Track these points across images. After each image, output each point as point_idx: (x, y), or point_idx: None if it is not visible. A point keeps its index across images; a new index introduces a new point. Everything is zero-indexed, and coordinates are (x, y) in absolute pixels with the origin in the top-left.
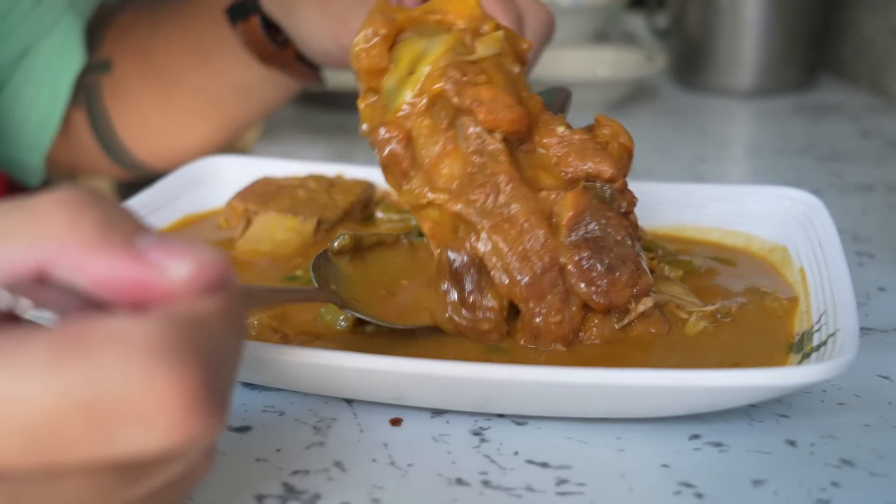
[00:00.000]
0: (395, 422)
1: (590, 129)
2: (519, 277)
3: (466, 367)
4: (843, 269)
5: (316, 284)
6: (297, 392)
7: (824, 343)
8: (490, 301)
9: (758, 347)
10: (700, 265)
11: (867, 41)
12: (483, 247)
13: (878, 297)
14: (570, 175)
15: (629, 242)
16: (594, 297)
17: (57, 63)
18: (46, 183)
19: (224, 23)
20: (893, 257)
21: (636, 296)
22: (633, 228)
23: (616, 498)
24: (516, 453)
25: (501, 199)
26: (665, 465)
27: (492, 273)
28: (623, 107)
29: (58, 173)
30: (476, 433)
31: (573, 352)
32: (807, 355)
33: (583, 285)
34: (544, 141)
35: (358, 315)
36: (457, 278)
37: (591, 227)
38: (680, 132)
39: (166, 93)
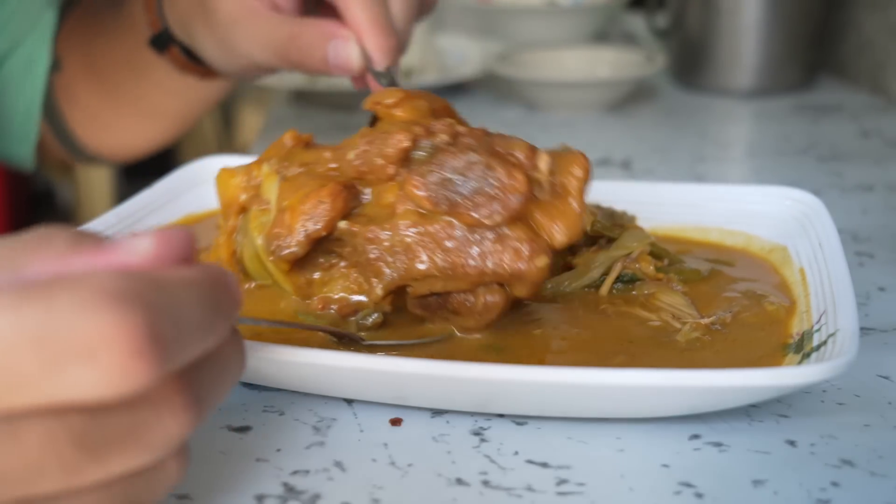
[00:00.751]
0: (395, 422)
1: (373, 123)
2: (458, 267)
3: (466, 367)
4: (843, 269)
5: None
6: (297, 392)
7: (824, 343)
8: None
9: (751, 351)
10: (705, 271)
11: (867, 41)
12: (423, 287)
13: (878, 297)
14: (393, 171)
15: (470, 153)
16: (506, 209)
17: (38, 56)
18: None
19: (142, 30)
20: (893, 257)
21: (530, 167)
22: (470, 136)
23: (616, 498)
24: (516, 453)
25: (385, 246)
26: (665, 465)
27: (448, 290)
28: (623, 107)
29: (51, 164)
30: (476, 433)
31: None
32: (807, 355)
33: (494, 216)
34: (355, 170)
35: (381, 343)
36: (438, 304)
37: (440, 182)
38: (680, 132)
39: (112, 97)
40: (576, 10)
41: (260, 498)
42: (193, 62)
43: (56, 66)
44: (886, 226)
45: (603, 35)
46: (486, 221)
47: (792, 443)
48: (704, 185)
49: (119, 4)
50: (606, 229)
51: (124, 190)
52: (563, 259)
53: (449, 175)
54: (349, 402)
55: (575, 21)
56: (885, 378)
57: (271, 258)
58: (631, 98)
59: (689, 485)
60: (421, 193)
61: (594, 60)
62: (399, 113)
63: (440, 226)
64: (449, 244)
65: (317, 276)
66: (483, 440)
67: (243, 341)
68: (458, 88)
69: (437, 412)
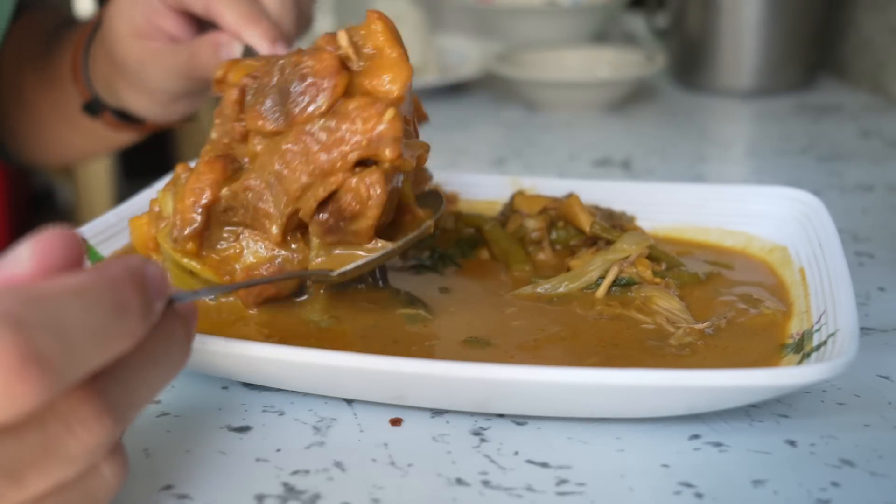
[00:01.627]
0: (395, 422)
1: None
2: (322, 160)
3: (466, 367)
4: (843, 269)
5: None
6: (297, 392)
7: (824, 343)
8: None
9: (744, 356)
10: (703, 275)
11: (867, 41)
12: (313, 201)
13: (878, 297)
14: (241, 127)
15: (279, 63)
16: (327, 91)
17: None
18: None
19: (75, 94)
20: (893, 257)
21: (330, 49)
22: (281, 58)
23: (616, 498)
24: (516, 453)
25: (260, 186)
26: (665, 465)
27: (329, 194)
28: (623, 107)
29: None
30: (476, 433)
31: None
32: (807, 355)
33: (320, 100)
34: (223, 143)
35: (350, 267)
36: (336, 217)
37: (271, 100)
38: (680, 132)
39: (36, 129)
40: (576, 10)
41: (260, 498)
42: (125, 121)
43: None
44: (886, 226)
45: (603, 35)
46: (321, 109)
47: (792, 443)
48: (704, 185)
49: (51, 44)
50: (605, 231)
51: (124, 190)
52: (561, 260)
53: (269, 91)
54: (349, 402)
55: (575, 21)
56: (885, 378)
57: (176, 246)
58: (631, 98)
59: (689, 485)
60: (258, 122)
61: (594, 60)
62: (231, 78)
63: (290, 139)
64: (304, 148)
65: (229, 250)
66: (483, 440)
67: (185, 332)
68: (458, 88)
69: (437, 412)
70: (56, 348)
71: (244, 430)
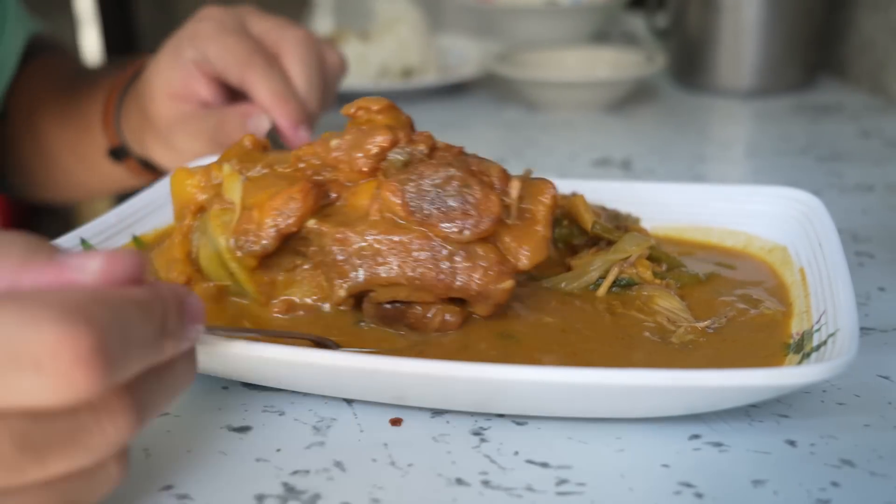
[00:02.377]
0: (395, 422)
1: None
2: (427, 279)
3: (466, 367)
4: (843, 269)
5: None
6: (297, 392)
7: (824, 343)
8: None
9: (745, 355)
10: (703, 275)
11: (867, 41)
12: (385, 294)
13: (878, 297)
14: (367, 169)
15: (450, 168)
16: (478, 229)
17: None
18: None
19: (99, 139)
20: (893, 257)
21: (502, 191)
22: (446, 151)
23: (616, 498)
24: (516, 453)
25: (354, 249)
26: (665, 465)
27: (410, 300)
28: (623, 107)
29: None
30: (476, 433)
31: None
32: (807, 355)
33: (463, 233)
34: (332, 160)
35: (357, 351)
36: (396, 316)
37: (418, 193)
38: (680, 132)
39: (47, 167)
40: (576, 10)
41: (260, 498)
42: (148, 170)
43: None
44: (886, 226)
45: (603, 35)
46: (458, 237)
47: (792, 443)
48: (704, 185)
49: (71, 87)
50: (607, 231)
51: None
52: (563, 259)
53: (426, 187)
54: (349, 402)
55: (575, 21)
56: (885, 378)
57: (239, 254)
58: (631, 98)
59: (689, 485)
60: (397, 200)
61: (594, 60)
62: (380, 118)
63: (413, 235)
64: (419, 255)
65: (280, 277)
66: (483, 440)
67: (195, 357)
68: (458, 88)
69: (437, 412)
70: (118, 348)
71: (244, 430)
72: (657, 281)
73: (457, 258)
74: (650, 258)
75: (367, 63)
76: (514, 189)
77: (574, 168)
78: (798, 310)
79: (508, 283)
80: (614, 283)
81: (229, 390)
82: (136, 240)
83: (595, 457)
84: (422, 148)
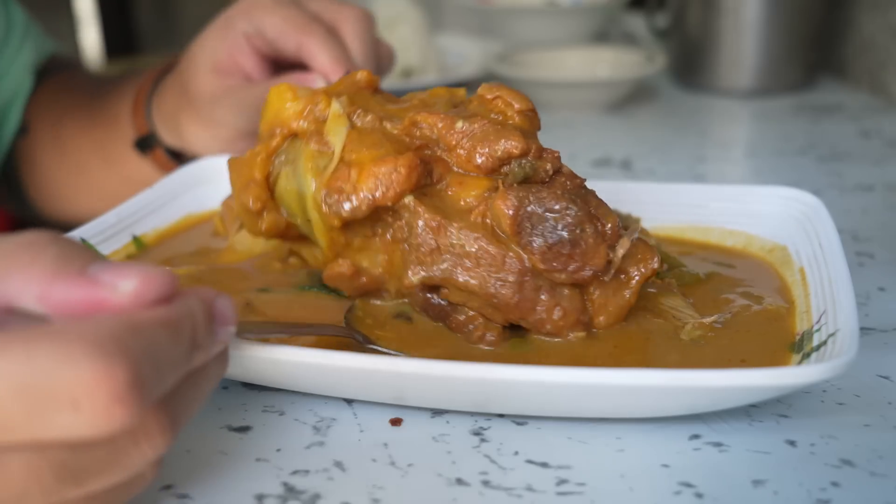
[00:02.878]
0: (395, 422)
1: (479, 99)
2: (504, 299)
3: (466, 367)
4: (843, 269)
5: (345, 322)
6: (297, 392)
7: (824, 343)
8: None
9: (753, 350)
10: (704, 275)
11: (867, 41)
12: (456, 296)
13: (878, 297)
14: (484, 163)
15: (572, 205)
16: (576, 275)
17: (8, 117)
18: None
19: (127, 132)
20: (893, 257)
21: (611, 245)
22: (569, 180)
23: (616, 498)
24: (516, 453)
25: (444, 242)
26: (665, 465)
27: (477, 312)
28: (623, 107)
29: None
30: (476, 433)
31: (590, 339)
32: (807, 355)
33: (560, 274)
34: (450, 141)
35: (382, 350)
36: (440, 314)
37: (532, 216)
38: (680, 132)
39: (75, 176)
40: (576, 10)
41: (260, 498)
42: (173, 160)
43: (24, 131)
44: (886, 226)
45: (603, 35)
46: (554, 276)
47: (792, 443)
48: (704, 185)
49: (96, 93)
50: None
51: None
52: None
53: (542, 212)
54: (349, 402)
55: (575, 21)
56: (885, 378)
57: (325, 209)
58: (631, 98)
59: (689, 485)
60: (509, 213)
61: (594, 60)
62: (518, 119)
63: (510, 254)
64: (507, 276)
65: (356, 241)
66: (483, 440)
67: (227, 355)
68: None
69: (437, 412)
70: (152, 375)
71: (244, 430)
72: (658, 281)
73: (542, 294)
74: None
75: None
76: (622, 249)
77: (574, 168)
78: (798, 310)
79: (580, 334)
80: None
81: (229, 390)
82: (136, 240)
83: (595, 457)
84: (548, 168)
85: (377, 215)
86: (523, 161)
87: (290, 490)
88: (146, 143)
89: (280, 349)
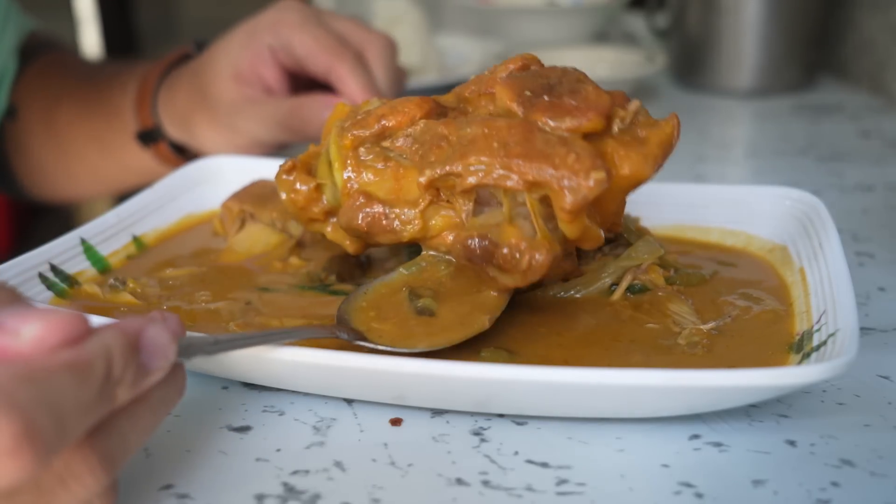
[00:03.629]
0: (395, 422)
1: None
2: (516, 162)
3: (466, 367)
4: (843, 269)
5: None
6: (297, 392)
7: (824, 343)
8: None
9: (751, 353)
10: (706, 275)
11: (867, 41)
12: (475, 178)
13: (878, 297)
14: (496, 87)
15: (569, 70)
16: (584, 119)
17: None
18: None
19: (128, 123)
20: (893, 257)
21: (617, 101)
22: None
23: (616, 498)
24: (516, 453)
25: (454, 138)
26: (665, 465)
27: (497, 185)
28: None
29: None
30: (476, 433)
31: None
32: (807, 355)
33: (568, 120)
34: (468, 92)
35: (373, 345)
36: (484, 256)
37: (532, 86)
38: (680, 132)
39: (68, 161)
40: (576, 10)
41: (260, 498)
42: (177, 155)
43: (11, 113)
44: (886, 226)
45: (603, 35)
46: (560, 123)
47: (792, 443)
48: (704, 185)
49: (91, 79)
50: (626, 231)
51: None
52: (574, 264)
53: (542, 81)
54: (349, 402)
55: (575, 21)
56: (885, 378)
57: (342, 129)
58: (631, 98)
59: (689, 485)
60: (509, 91)
61: (594, 60)
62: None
63: (514, 123)
64: (513, 141)
65: (366, 166)
66: (483, 440)
67: (180, 376)
68: None
69: (437, 412)
70: (48, 424)
71: (244, 430)
72: (668, 287)
73: (555, 147)
74: (659, 264)
75: None
76: (634, 104)
77: None
78: (798, 309)
79: (599, 175)
80: (628, 289)
81: (229, 390)
82: (136, 240)
83: (595, 457)
84: (548, 73)
85: (390, 142)
86: (526, 72)
87: (290, 490)
88: (150, 137)
89: (280, 349)
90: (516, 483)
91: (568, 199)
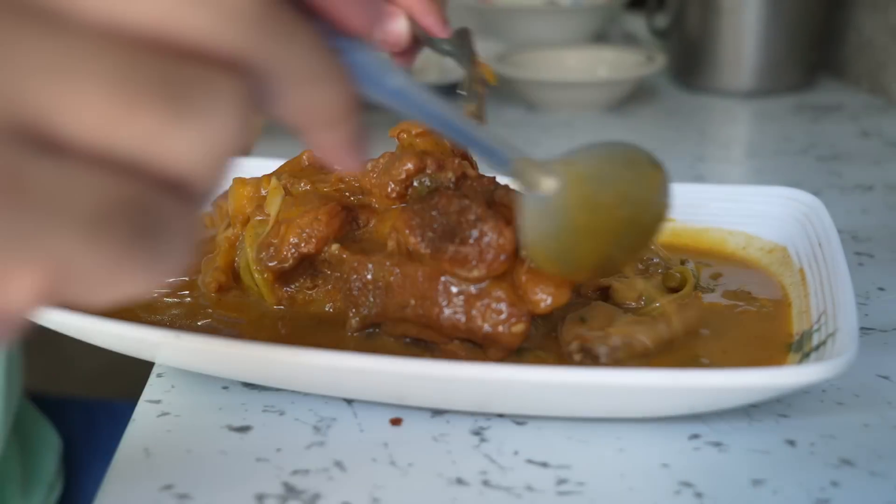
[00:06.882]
0: (395, 422)
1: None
2: (433, 315)
3: (466, 367)
4: (843, 269)
5: None
6: (297, 392)
7: (824, 343)
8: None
9: (755, 350)
10: (706, 275)
11: (867, 41)
12: (398, 329)
13: (878, 297)
14: (395, 195)
15: (465, 202)
16: (486, 267)
17: None
18: None
19: None
20: (893, 257)
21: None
22: (476, 182)
23: (616, 498)
24: (516, 453)
25: (368, 279)
26: (665, 465)
27: (421, 337)
28: (623, 107)
29: None
30: (476, 433)
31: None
32: (806, 355)
33: (474, 271)
34: (366, 184)
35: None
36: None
37: (434, 226)
38: (680, 132)
39: None
40: (576, 10)
41: (260, 498)
42: None
43: None
44: (886, 226)
45: (603, 35)
46: (466, 274)
47: (792, 443)
48: (704, 185)
49: None
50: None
51: None
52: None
53: (440, 218)
54: (349, 402)
55: (575, 21)
56: (885, 378)
57: (257, 267)
58: (631, 98)
59: (688, 484)
60: (408, 232)
61: (594, 60)
62: (419, 142)
63: (423, 270)
64: (429, 292)
65: (300, 295)
66: (483, 440)
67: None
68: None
69: (437, 412)
70: None
71: (244, 429)
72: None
73: (467, 296)
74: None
75: None
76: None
77: None
78: (798, 310)
79: (519, 328)
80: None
81: (229, 390)
82: None
83: (595, 457)
84: (449, 175)
85: (314, 268)
86: (422, 178)
87: (290, 490)
88: None
89: (280, 349)
90: (516, 483)
91: (494, 355)
